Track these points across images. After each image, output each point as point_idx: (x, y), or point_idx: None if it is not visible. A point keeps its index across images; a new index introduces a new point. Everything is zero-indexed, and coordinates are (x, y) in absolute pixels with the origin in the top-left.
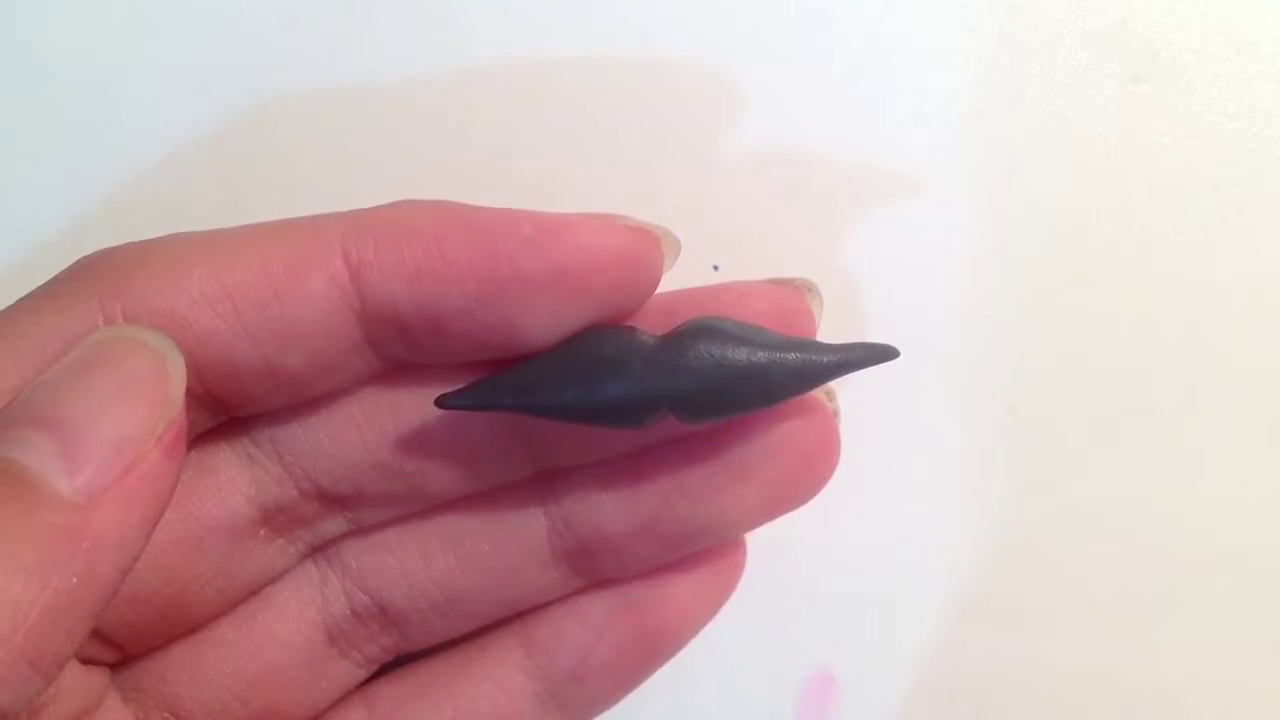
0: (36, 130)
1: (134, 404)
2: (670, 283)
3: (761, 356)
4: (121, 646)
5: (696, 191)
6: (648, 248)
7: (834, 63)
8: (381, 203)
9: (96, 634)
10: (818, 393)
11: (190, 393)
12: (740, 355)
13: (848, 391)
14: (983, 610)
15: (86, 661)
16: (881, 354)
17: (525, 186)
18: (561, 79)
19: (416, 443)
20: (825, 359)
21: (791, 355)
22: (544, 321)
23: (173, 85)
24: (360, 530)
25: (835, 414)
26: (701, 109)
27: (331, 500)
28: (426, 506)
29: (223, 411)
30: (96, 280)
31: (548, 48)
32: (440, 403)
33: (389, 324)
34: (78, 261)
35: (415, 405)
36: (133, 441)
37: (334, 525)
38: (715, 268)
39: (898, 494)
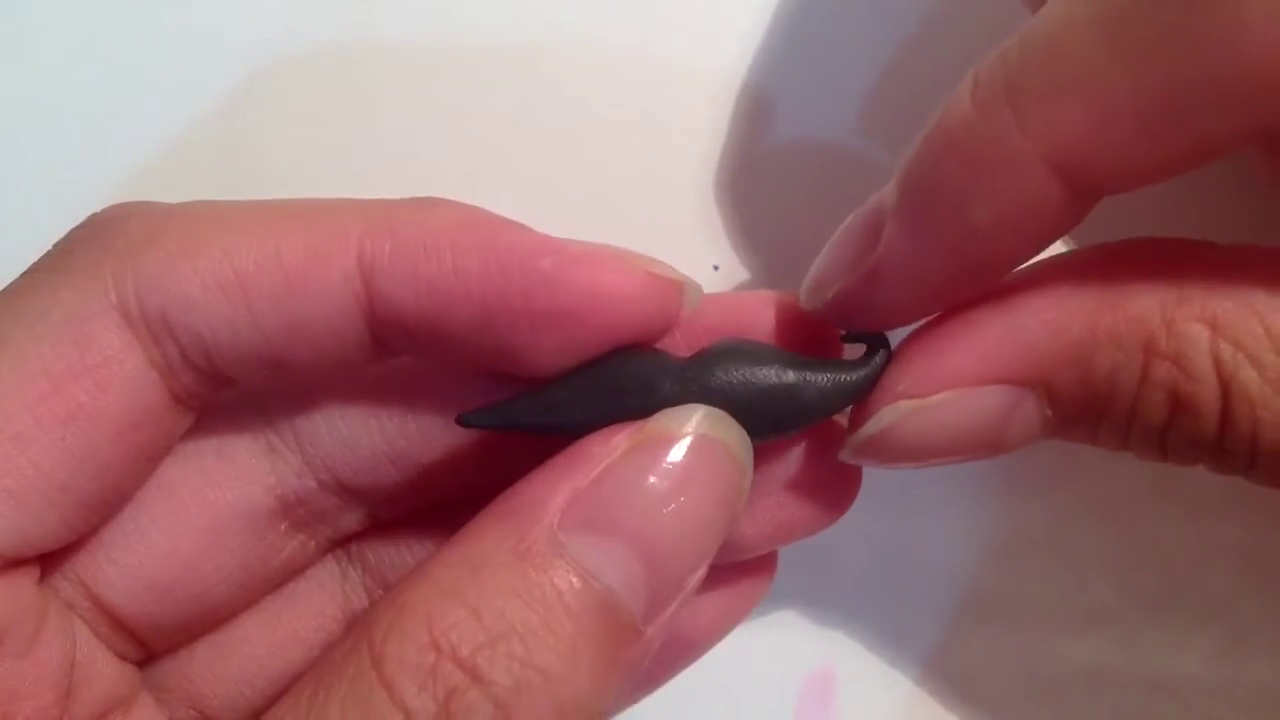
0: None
1: (715, 533)
2: None
3: (790, 376)
4: (146, 642)
5: (697, 191)
6: (666, 297)
7: (834, 61)
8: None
9: (121, 628)
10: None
11: (199, 370)
12: (768, 375)
13: None
14: (983, 610)
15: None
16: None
17: (527, 186)
18: (565, 79)
19: (432, 437)
20: (853, 375)
21: (819, 375)
22: (547, 353)
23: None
24: (379, 526)
25: None
26: (703, 109)
27: (350, 493)
28: (443, 501)
29: (231, 387)
30: (109, 254)
31: (550, 46)
32: (461, 422)
33: (395, 328)
34: (90, 221)
35: (432, 400)
36: (700, 575)
37: (353, 519)
38: (715, 268)
39: (898, 494)
